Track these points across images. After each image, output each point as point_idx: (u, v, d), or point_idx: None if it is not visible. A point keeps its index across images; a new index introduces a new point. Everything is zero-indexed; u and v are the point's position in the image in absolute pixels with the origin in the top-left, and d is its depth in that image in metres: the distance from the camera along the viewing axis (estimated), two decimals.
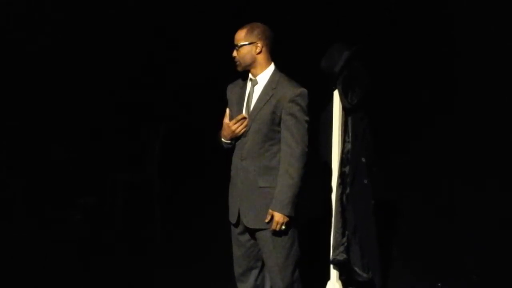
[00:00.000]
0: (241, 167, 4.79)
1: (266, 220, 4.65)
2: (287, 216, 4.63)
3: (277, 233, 4.69)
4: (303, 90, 4.70)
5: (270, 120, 4.70)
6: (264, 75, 4.79)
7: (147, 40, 8.06)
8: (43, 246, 7.05)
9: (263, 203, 4.70)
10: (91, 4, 7.75)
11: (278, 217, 4.62)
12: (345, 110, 5.31)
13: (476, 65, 6.58)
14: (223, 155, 5.07)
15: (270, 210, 4.64)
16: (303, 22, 7.26)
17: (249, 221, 4.77)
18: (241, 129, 4.77)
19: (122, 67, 7.97)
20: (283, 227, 4.65)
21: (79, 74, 7.86)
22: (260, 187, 4.72)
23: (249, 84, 4.84)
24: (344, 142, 5.31)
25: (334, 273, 5.32)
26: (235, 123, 4.77)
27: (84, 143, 7.94)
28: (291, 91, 4.68)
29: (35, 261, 6.76)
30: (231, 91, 4.95)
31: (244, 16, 7.07)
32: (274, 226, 4.63)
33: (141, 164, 7.71)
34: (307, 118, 4.68)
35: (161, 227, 7.62)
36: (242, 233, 4.86)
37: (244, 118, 4.76)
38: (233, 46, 4.77)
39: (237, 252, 4.94)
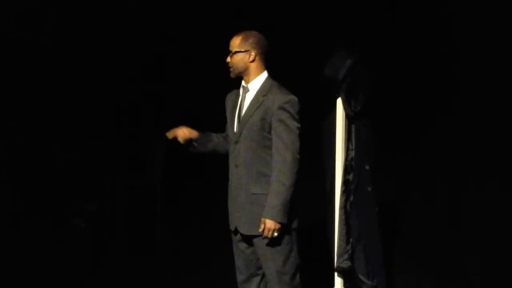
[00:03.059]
0: (235, 173, 4.85)
1: (260, 229, 4.69)
2: (279, 223, 4.67)
3: (272, 240, 4.73)
4: (293, 97, 4.75)
5: (260, 126, 4.74)
6: (256, 82, 4.84)
7: (148, 41, 8.03)
8: (43, 249, 7.07)
9: (255, 210, 4.75)
10: (91, 4, 7.71)
11: (270, 224, 4.66)
12: (349, 118, 5.33)
13: (476, 65, 6.58)
14: (225, 160, 5.11)
15: (262, 218, 4.68)
16: (302, 22, 7.24)
17: (242, 228, 4.83)
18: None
19: (123, 69, 7.95)
20: (275, 234, 4.68)
21: (79, 76, 7.84)
22: (253, 193, 4.77)
23: (241, 91, 4.89)
24: (347, 149, 5.33)
25: (338, 280, 5.35)
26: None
27: (85, 147, 7.93)
28: (281, 98, 4.73)
29: (36, 264, 6.78)
30: (229, 98, 5.02)
31: (244, 17, 7.13)
32: (266, 233, 4.67)
33: (143, 169, 7.72)
34: (297, 124, 4.72)
35: (162, 231, 7.65)
36: (241, 241, 4.92)
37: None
38: (228, 51, 4.82)
39: (238, 260, 4.99)
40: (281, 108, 4.70)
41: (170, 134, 5.01)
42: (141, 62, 8.04)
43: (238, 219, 4.83)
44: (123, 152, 8.07)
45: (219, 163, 5.48)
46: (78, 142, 7.88)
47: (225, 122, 5.10)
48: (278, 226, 4.66)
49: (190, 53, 7.81)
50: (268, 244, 4.75)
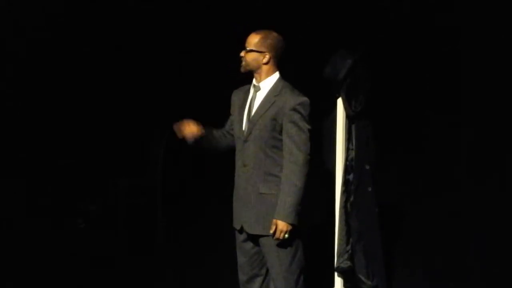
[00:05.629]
0: (243, 173, 4.83)
1: (271, 231, 4.68)
2: (291, 224, 4.66)
3: (280, 241, 4.72)
4: (305, 99, 4.74)
5: (271, 126, 4.73)
6: (267, 82, 4.82)
7: (149, 43, 8.01)
8: (43, 249, 7.06)
9: (264, 210, 4.74)
10: (93, 5, 7.70)
11: (282, 225, 4.66)
12: (349, 118, 5.33)
13: (477, 65, 6.58)
14: (225, 159, 5.10)
15: (274, 220, 4.67)
16: (303, 22, 7.24)
17: (250, 228, 4.82)
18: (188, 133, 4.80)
19: (123, 70, 7.94)
20: (286, 235, 4.67)
21: (79, 75, 7.83)
22: (261, 193, 4.77)
23: (252, 90, 4.86)
24: (347, 149, 5.33)
25: (338, 281, 5.35)
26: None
27: (85, 147, 7.92)
28: (293, 99, 4.72)
29: (36, 265, 6.77)
30: (236, 95, 4.99)
31: (248, 19, 7.11)
32: (277, 234, 4.66)
33: (143, 168, 7.71)
34: (309, 126, 4.72)
35: (162, 231, 7.64)
36: (245, 240, 4.91)
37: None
38: (240, 47, 4.78)
39: (241, 259, 4.98)
40: (294, 109, 4.70)
41: (178, 133, 4.95)
42: (142, 63, 8.02)
43: (244, 218, 4.82)
44: (123, 152, 8.05)
45: (219, 162, 5.49)
46: (78, 141, 7.87)
47: (226, 119, 5.08)
48: (290, 227, 4.67)
49: (192, 58, 7.80)
50: (276, 245, 4.75)
